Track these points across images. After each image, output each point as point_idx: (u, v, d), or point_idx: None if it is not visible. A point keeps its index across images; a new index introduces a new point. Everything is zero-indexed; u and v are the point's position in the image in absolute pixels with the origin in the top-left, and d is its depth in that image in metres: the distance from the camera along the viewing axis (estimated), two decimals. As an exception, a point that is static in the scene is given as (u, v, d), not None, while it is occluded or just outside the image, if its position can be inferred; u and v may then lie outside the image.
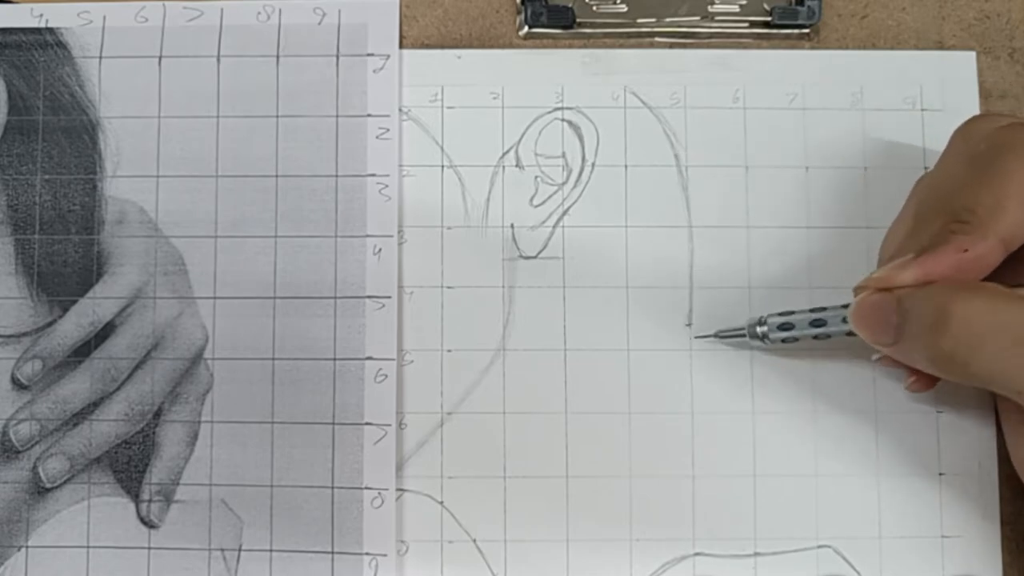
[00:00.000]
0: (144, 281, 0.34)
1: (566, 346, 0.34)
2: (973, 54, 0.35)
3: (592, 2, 0.35)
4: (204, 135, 0.34)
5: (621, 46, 0.35)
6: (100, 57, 0.35)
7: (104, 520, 0.33)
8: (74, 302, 0.34)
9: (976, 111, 0.35)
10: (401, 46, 0.35)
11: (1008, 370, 0.26)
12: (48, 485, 0.33)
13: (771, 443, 0.33)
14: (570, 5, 0.35)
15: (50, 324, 0.34)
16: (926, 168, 0.34)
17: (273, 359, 0.33)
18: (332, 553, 0.32)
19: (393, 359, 0.33)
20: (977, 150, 0.29)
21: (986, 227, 0.27)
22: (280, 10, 0.35)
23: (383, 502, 0.33)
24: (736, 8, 0.35)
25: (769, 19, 0.35)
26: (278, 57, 0.34)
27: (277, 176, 0.34)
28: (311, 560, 0.32)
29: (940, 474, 0.33)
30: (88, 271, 0.34)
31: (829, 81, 0.35)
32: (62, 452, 0.33)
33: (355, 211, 0.34)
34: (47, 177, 0.34)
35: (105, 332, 0.34)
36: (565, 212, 0.34)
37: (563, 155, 0.35)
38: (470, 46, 0.35)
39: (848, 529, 0.33)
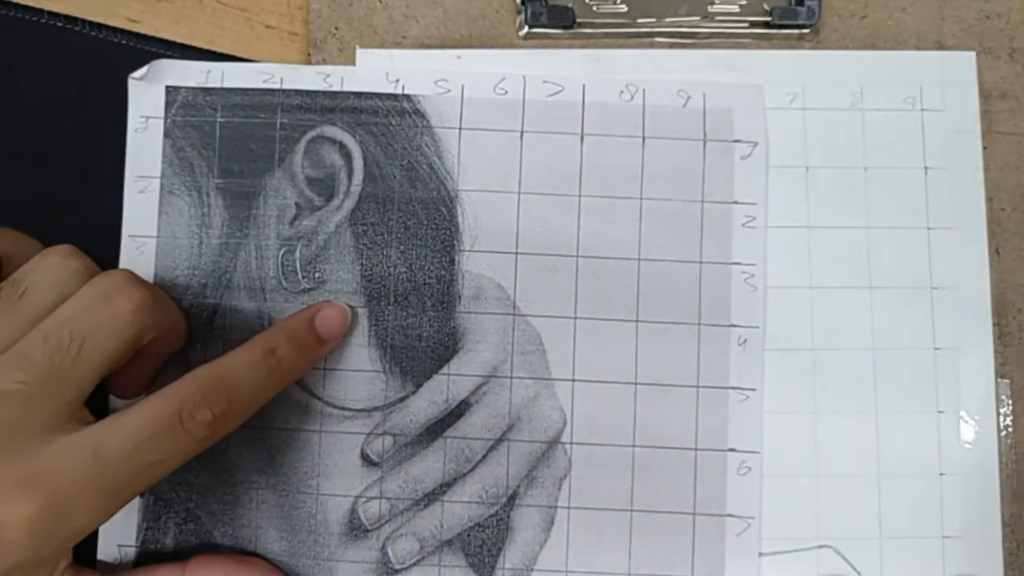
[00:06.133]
0: (501, 359, 0.33)
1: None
2: (973, 54, 0.35)
3: (592, 2, 0.35)
4: (564, 213, 0.34)
5: (621, 46, 0.35)
6: (460, 128, 0.34)
7: (459, 605, 0.32)
8: (428, 378, 0.33)
9: (976, 111, 0.34)
10: (401, 46, 0.35)
11: None
12: (397, 566, 0.32)
13: (770, 443, 0.33)
14: (570, 5, 0.35)
15: (402, 399, 0.33)
16: (926, 168, 0.34)
17: (633, 446, 0.33)
18: (694, 648, 0.32)
19: (759, 452, 0.33)
20: None
21: None
22: (644, 90, 0.34)
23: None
24: (736, 8, 0.35)
25: (769, 19, 0.35)
26: (643, 138, 0.34)
27: (639, 260, 0.34)
28: (673, 654, 0.32)
29: (940, 474, 0.33)
30: (443, 346, 0.33)
31: (829, 81, 0.35)
32: (412, 533, 0.32)
33: (719, 299, 0.33)
34: (402, 248, 0.33)
35: (459, 410, 0.33)
36: None
37: None
38: (470, 46, 0.35)
39: (848, 529, 0.33)
